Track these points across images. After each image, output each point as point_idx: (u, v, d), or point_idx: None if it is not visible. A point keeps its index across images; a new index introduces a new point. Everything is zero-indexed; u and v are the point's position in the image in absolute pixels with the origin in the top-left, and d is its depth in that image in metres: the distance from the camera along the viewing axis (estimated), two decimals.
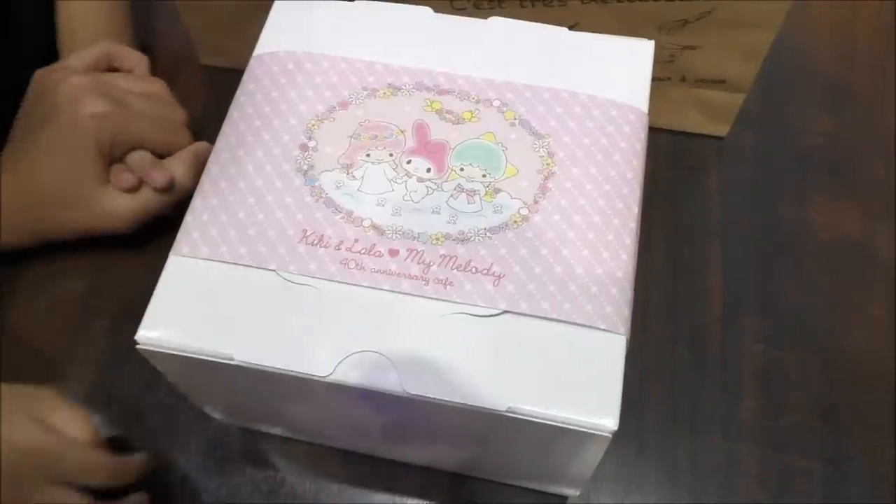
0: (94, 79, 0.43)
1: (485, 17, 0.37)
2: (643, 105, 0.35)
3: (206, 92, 0.52)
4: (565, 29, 0.37)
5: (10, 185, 0.42)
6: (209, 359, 0.30)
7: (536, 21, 0.37)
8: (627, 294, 0.31)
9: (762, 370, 0.42)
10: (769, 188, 0.48)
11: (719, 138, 0.49)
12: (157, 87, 0.45)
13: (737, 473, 0.40)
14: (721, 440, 0.41)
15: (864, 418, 0.41)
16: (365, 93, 0.35)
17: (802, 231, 0.46)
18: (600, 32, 0.37)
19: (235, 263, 0.31)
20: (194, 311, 0.31)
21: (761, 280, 0.45)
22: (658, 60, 0.40)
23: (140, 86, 0.44)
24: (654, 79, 0.36)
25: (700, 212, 0.47)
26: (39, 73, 0.44)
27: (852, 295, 0.44)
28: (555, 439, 0.30)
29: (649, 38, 0.37)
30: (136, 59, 0.47)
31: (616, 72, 0.36)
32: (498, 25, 0.37)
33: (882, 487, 0.40)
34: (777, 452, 0.40)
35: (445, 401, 0.29)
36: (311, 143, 0.34)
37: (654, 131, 0.38)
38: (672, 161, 0.49)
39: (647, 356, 0.43)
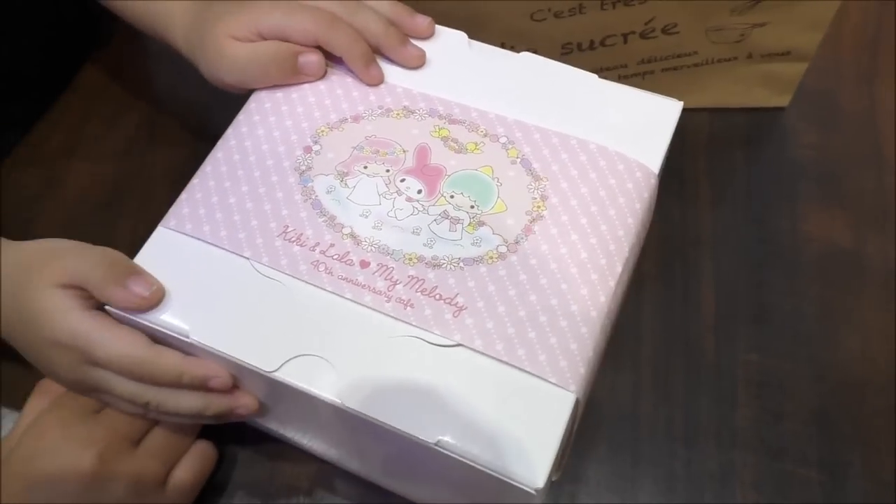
0: None
1: (566, 24, 0.37)
2: (655, 165, 0.34)
3: None
4: (594, 76, 0.36)
5: None
6: (167, 332, 0.31)
7: (617, 20, 0.36)
8: (588, 353, 0.30)
9: (756, 379, 0.41)
10: (760, 200, 0.47)
11: (712, 153, 0.49)
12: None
13: (733, 482, 0.38)
14: (716, 449, 0.39)
15: (860, 425, 0.40)
16: (380, 111, 0.36)
17: (794, 241, 0.46)
18: (676, 24, 0.36)
19: (214, 245, 0.32)
20: (165, 284, 0.32)
21: (754, 290, 0.44)
22: (727, 42, 0.41)
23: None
24: (718, 61, 0.34)
25: (692, 223, 0.46)
26: None
27: (844, 303, 0.43)
28: (480, 482, 0.29)
29: (721, 21, 0.36)
30: None
31: (635, 127, 0.35)
32: (528, 62, 0.37)
33: (880, 493, 0.38)
34: (773, 460, 0.39)
35: (378, 420, 0.29)
36: (316, 147, 0.35)
37: None
38: (663, 173, 0.48)
39: (641, 366, 0.42)
